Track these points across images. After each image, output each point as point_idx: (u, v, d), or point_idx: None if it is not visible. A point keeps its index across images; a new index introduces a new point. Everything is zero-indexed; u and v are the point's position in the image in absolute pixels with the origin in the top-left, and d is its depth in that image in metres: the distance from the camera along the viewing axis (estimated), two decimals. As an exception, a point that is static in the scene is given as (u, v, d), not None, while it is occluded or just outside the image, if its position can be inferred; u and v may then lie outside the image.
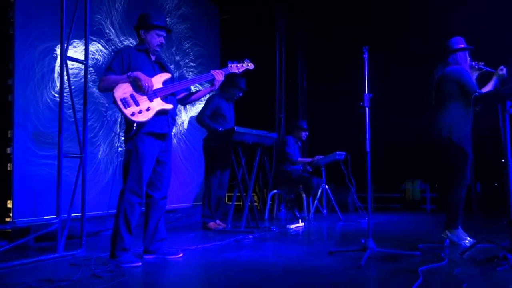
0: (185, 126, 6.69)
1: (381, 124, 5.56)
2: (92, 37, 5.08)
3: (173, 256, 3.34)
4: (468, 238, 3.73)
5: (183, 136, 6.68)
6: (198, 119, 5.30)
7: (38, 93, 4.37)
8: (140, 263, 3.09)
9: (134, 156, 3.14)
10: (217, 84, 3.52)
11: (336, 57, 8.27)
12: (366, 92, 3.36)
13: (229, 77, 5.35)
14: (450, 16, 6.90)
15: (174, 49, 6.63)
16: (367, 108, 3.35)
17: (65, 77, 3.60)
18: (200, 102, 6.59)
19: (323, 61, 8.66)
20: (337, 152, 6.25)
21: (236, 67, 3.66)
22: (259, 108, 8.22)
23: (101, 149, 5.11)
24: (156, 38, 3.33)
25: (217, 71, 3.52)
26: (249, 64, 3.71)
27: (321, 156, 6.38)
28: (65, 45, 3.59)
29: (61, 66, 3.61)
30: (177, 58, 6.70)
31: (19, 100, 4.17)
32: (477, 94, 3.59)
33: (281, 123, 8.08)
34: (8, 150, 4.09)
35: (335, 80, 8.27)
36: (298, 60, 9.02)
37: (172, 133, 3.52)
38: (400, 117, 7.15)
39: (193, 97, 3.62)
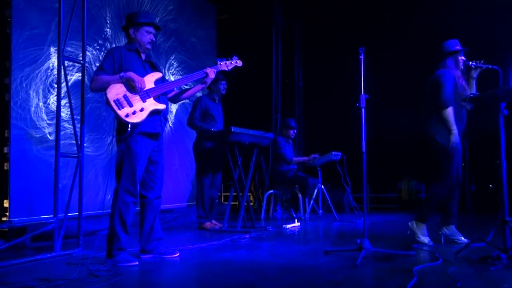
0: (180, 126, 6.69)
1: (377, 124, 5.60)
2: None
3: (170, 256, 3.35)
4: (428, 237, 3.81)
5: (178, 136, 6.68)
6: (189, 123, 5.32)
7: (35, 92, 4.37)
8: (137, 262, 3.10)
9: (127, 155, 3.14)
10: (209, 82, 3.54)
11: (332, 58, 8.29)
12: (362, 93, 3.39)
13: None
14: (447, 16, 6.95)
15: (170, 49, 6.64)
16: (363, 109, 3.37)
17: (63, 77, 3.60)
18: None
19: (320, 62, 8.69)
20: (333, 152, 6.27)
21: (225, 65, 3.64)
22: (255, 108, 8.25)
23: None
24: (146, 36, 3.33)
25: (209, 68, 3.53)
26: (238, 61, 3.70)
27: (317, 154, 6.40)
28: (63, 45, 3.59)
29: (58, 66, 3.61)
30: (173, 58, 6.70)
31: (16, 99, 4.17)
32: (471, 95, 3.62)
33: (278, 123, 8.10)
34: (5, 150, 4.09)
35: (331, 81, 8.30)
36: (294, 60, 9.05)
37: (165, 132, 3.52)
38: (396, 117, 7.18)
39: (184, 95, 3.62)
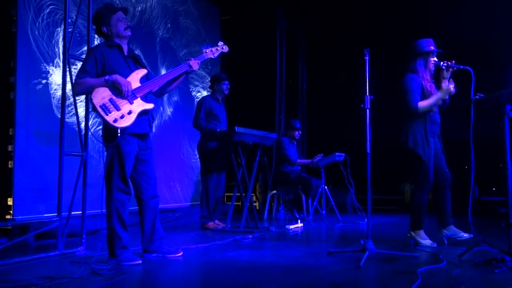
0: (183, 126, 6.70)
1: (380, 126, 5.58)
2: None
3: (173, 255, 3.35)
4: (429, 240, 3.81)
5: (181, 136, 6.69)
6: (194, 124, 5.32)
7: (40, 91, 4.38)
8: (140, 261, 3.10)
9: (117, 155, 3.08)
10: (191, 72, 3.45)
11: (337, 59, 8.28)
12: (367, 94, 3.38)
13: (212, 78, 5.52)
14: (451, 17, 6.93)
15: (173, 46, 6.65)
16: (367, 110, 3.36)
17: (68, 75, 3.61)
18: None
19: (324, 63, 8.68)
20: (337, 153, 6.26)
21: (211, 52, 3.53)
22: (259, 109, 8.25)
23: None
24: (120, 24, 3.20)
25: (193, 60, 3.41)
26: (224, 47, 3.59)
27: (321, 154, 6.39)
28: (68, 43, 3.61)
29: (63, 64, 3.62)
30: (177, 57, 6.71)
31: (21, 97, 4.18)
32: (477, 97, 3.60)
33: (281, 124, 8.10)
34: (9, 148, 4.11)
35: (335, 82, 8.29)
36: (298, 61, 9.05)
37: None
38: (400, 119, 7.15)
39: (168, 88, 3.48)
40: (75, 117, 3.65)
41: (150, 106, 3.18)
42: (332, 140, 7.63)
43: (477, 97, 3.51)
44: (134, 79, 3.15)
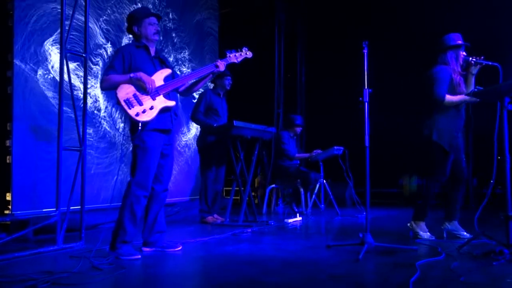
0: (184, 120, 6.69)
1: (379, 119, 5.60)
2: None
3: (172, 249, 3.36)
4: (428, 233, 3.83)
5: (180, 130, 6.68)
6: (192, 117, 5.32)
7: (38, 85, 4.36)
8: (140, 256, 3.11)
9: (141, 151, 3.18)
10: (216, 73, 3.56)
11: (335, 52, 8.27)
12: (366, 87, 3.37)
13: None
14: (451, 11, 6.92)
15: (171, 43, 6.62)
16: (366, 104, 3.36)
17: (65, 70, 3.59)
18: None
19: (322, 57, 8.66)
20: (335, 147, 6.26)
21: (234, 57, 3.61)
22: (257, 103, 8.24)
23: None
24: (150, 28, 3.36)
25: (220, 61, 3.52)
26: (247, 53, 3.65)
27: (319, 150, 6.40)
28: (65, 37, 3.58)
29: (60, 59, 3.60)
30: (175, 53, 6.69)
31: (19, 92, 4.16)
32: (475, 90, 3.60)
33: (280, 118, 8.09)
34: (7, 143, 4.09)
35: (334, 75, 8.28)
36: (297, 55, 9.03)
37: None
38: (398, 112, 7.16)
39: (196, 87, 3.60)
40: (73, 111, 3.63)
41: (172, 103, 3.28)
42: (331, 134, 7.63)
43: (475, 89, 3.51)
44: (158, 78, 3.27)
